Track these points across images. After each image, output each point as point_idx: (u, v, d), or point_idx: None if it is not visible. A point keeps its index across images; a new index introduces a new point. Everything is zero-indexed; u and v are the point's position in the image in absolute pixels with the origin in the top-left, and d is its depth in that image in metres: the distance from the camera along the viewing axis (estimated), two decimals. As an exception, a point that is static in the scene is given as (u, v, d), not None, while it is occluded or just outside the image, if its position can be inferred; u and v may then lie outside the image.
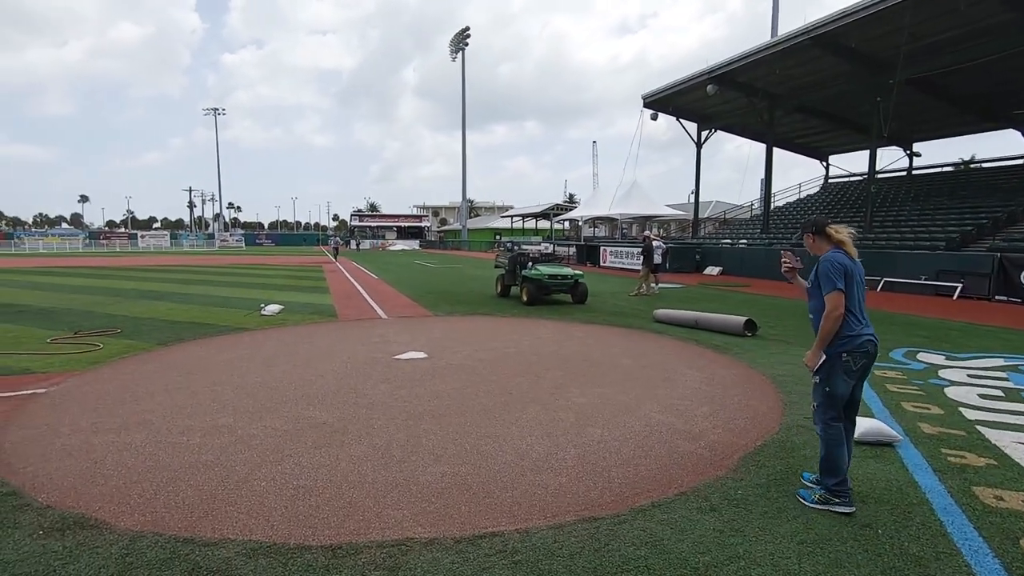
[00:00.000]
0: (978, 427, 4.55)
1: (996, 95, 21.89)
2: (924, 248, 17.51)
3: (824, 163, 34.87)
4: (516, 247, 16.24)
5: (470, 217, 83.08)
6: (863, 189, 30.78)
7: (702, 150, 31.26)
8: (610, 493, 3.34)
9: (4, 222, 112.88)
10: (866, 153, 32.78)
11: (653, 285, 14.95)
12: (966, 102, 22.75)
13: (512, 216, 68.24)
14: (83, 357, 6.89)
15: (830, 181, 34.67)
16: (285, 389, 5.46)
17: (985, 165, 27.19)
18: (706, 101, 27.37)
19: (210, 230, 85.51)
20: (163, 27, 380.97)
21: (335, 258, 34.80)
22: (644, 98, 29.60)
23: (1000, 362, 7.02)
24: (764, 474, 3.60)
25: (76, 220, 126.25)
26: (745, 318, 8.68)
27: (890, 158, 31.13)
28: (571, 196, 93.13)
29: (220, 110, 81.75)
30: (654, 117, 30.39)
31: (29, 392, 5.37)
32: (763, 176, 44.69)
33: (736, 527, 2.94)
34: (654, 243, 14.85)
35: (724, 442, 4.16)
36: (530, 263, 12.77)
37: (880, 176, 30.70)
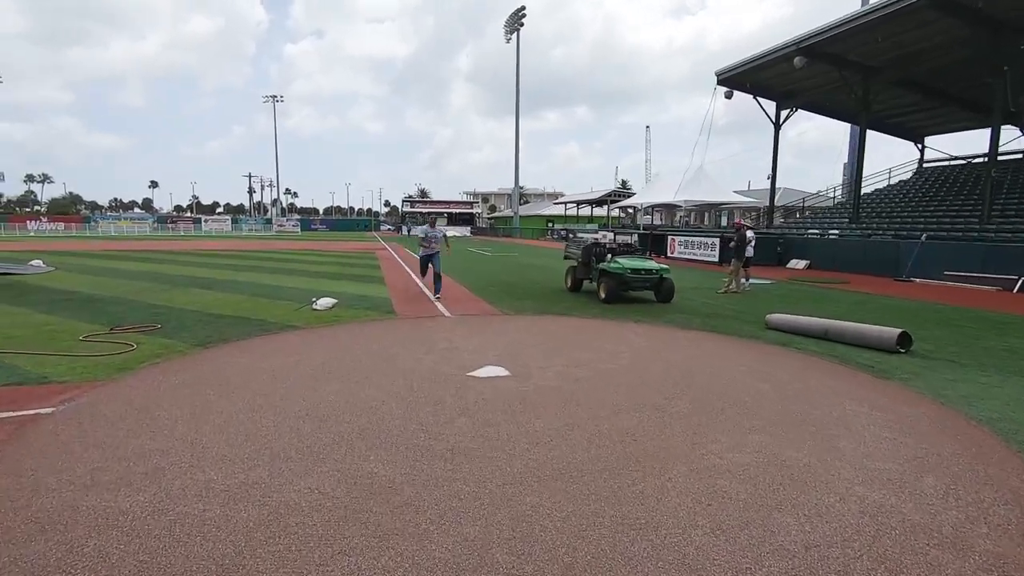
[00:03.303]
0: None
1: None
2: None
3: (919, 145, 31.40)
4: (572, 235, 14.90)
5: (520, 204, 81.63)
6: (967, 174, 27.41)
7: (761, 134, 28.50)
8: None
9: (83, 206, 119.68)
10: (966, 135, 29.34)
11: (744, 281, 13.14)
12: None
13: (566, 203, 66.32)
14: (111, 361, 5.94)
15: (925, 165, 31.19)
16: (338, 420, 4.25)
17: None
18: (788, 76, 24.83)
19: (268, 215, 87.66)
20: (231, 19, 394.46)
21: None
22: (718, 74, 27.17)
23: None
24: None
25: (147, 205, 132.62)
26: (899, 330, 6.91)
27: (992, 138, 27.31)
28: (623, 182, 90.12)
29: (278, 97, 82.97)
30: (728, 95, 27.93)
31: (33, 412, 4.38)
32: (846, 161, 41.17)
33: None
34: (747, 233, 13.01)
35: (1011, 558, 2.62)
36: (608, 255, 11.26)
37: (977, 159, 27.19)
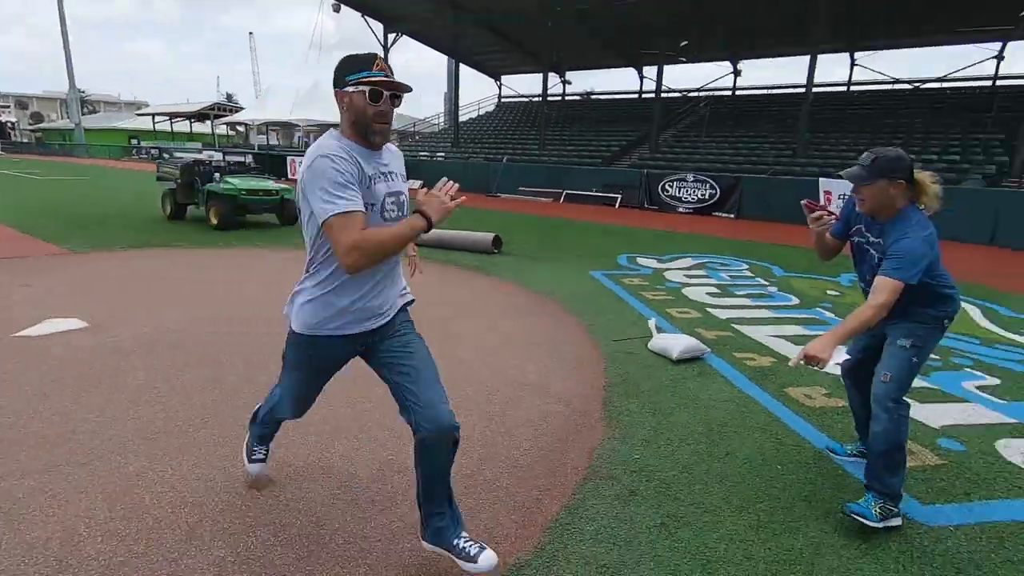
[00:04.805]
0: (734, 326, 5.08)
1: (631, 36, 26.41)
2: (587, 165, 20.51)
3: (498, 83, 37.42)
4: (168, 155, 12.91)
5: (84, 114, 62.49)
6: (532, 110, 34.41)
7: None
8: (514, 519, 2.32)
9: None
10: (531, 77, 36.53)
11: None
12: (609, 40, 26.78)
13: (154, 114, 54.04)
14: None
15: (503, 101, 37.59)
16: None
17: (617, 96, 33.20)
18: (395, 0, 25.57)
19: None
20: None
21: None
22: (325, -17, 25.80)
23: (690, 261, 8.40)
24: (647, 429, 3.10)
25: None
26: (492, 235, 8.32)
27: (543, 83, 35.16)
28: (229, 96, 78.93)
29: None
30: (336, 8, 27.00)
31: None
32: (446, 91, 45.77)
33: (691, 524, 2.33)
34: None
35: (573, 393, 3.54)
36: (216, 175, 9.76)
37: (535, 99, 34.74)
